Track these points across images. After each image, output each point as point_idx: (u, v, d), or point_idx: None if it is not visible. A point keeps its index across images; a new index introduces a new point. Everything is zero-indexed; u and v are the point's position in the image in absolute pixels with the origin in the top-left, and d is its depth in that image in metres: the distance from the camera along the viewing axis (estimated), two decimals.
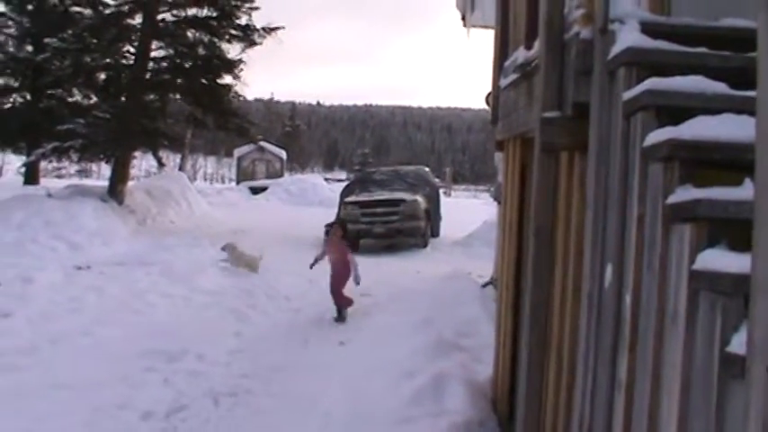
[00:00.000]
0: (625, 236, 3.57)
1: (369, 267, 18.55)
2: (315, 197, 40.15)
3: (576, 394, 4.28)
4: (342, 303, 13.11)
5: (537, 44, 5.11)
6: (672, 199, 3.07)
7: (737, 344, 2.53)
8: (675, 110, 3.30)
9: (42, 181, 35.26)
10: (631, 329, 3.43)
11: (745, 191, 2.54)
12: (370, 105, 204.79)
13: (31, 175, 34.28)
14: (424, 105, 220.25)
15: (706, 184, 3.00)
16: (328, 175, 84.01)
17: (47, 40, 28.63)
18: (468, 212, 30.70)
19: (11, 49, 32.37)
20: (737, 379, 2.49)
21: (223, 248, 17.05)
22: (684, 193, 3.02)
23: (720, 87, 3.34)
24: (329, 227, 15.50)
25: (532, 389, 5.14)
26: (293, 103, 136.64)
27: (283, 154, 56.33)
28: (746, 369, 2.37)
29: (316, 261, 13.83)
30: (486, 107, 9.67)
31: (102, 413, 7.63)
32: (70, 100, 29.68)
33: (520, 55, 5.93)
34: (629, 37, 3.65)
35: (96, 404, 7.79)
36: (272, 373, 9.42)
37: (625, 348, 3.48)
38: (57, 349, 9.95)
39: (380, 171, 29.80)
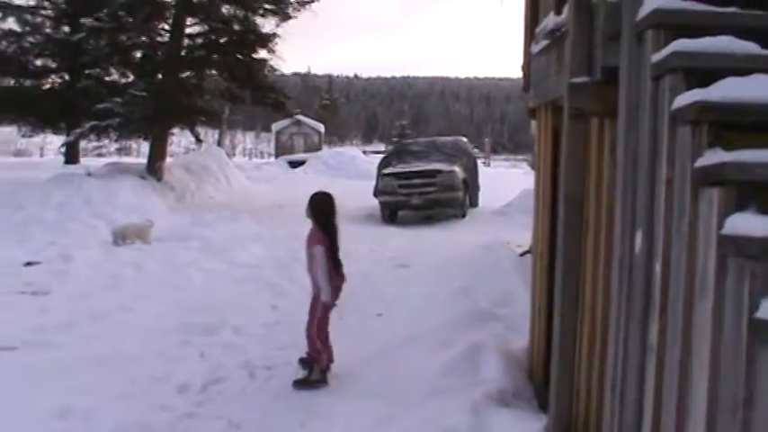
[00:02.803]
0: (654, 201, 3.52)
1: (407, 239, 18.64)
2: (353, 170, 40.11)
3: (608, 359, 4.24)
4: (317, 353, 8.12)
5: (566, 9, 5.04)
6: (700, 162, 3.02)
7: (766, 309, 2.48)
8: (704, 71, 3.22)
9: (83, 160, 35.59)
10: (661, 295, 3.39)
11: None
12: (408, 77, 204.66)
13: (71, 155, 34.61)
14: (462, 76, 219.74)
15: (736, 146, 2.93)
16: (367, 148, 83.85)
17: (83, 20, 28.77)
18: (507, 182, 30.57)
19: (48, 31, 32.59)
20: (766, 344, 2.45)
21: (114, 237, 17.13)
22: (712, 156, 2.96)
23: (751, 47, 3.27)
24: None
25: (565, 355, 5.13)
26: (330, 77, 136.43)
27: (321, 127, 56.56)
28: None
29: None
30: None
31: (138, 387, 7.70)
32: (107, 79, 29.89)
33: (550, 21, 5.87)
34: None
35: (132, 378, 7.87)
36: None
37: (656, 313, 3.45)
38: (94, 325, 10.11)
39: (417, 142, 29.63)
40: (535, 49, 6.94)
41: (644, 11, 3.62)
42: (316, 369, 8.06)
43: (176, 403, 7.46)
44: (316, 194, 8.38)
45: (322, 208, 8.24)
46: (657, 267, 3.44)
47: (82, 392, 7.35)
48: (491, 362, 7.24)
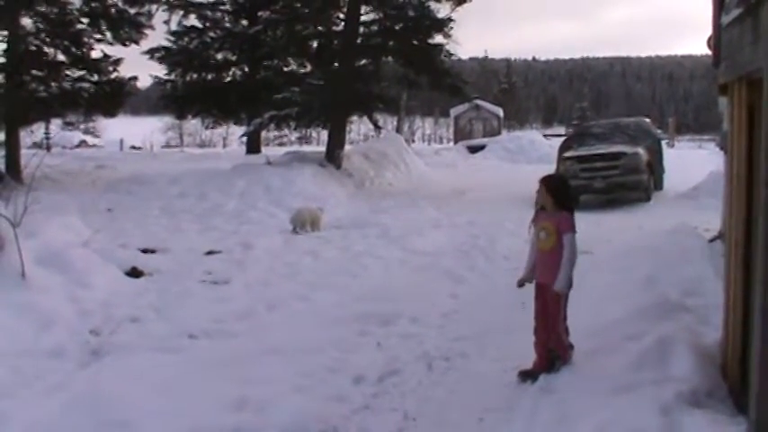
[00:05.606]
0: None
1: (589, 224, 18.04)
2: (534, 154, 39.70)
3: None
4: (564, 348, 7.67)
5: None
6: None
7: None
8: None
9: (264, 149, 36.58)
10: None
11: None
12: (588, 58, 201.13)
13: (252, 145, 35.63)
14: (643, 55, 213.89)
15: None
16: (547, 131, 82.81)
17: (260, 12, 29.52)
18: (693, 163, 29.51)
19: (227, 25, 33.76)
20: None
21: (293, 224, 17.20)
22: None
23: None
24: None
25: (767, 356, 4.67)
26: (508, 60, 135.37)
27: (500, 111, 56.28)
28: None
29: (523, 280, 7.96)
30: (708, 52, 9.00)
31: (314, 377, 7.73)
32: (286, 69, 30.64)
33: None
34: None
35: (308, 369, 7.91)
36: (488, 336, 9.23)
37: None
38: (271, 314, 10.30)
39: (599, 124, 28.99)
40: (725, 19, 6.45)
41: None
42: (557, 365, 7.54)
43: (352, 395, 7.43)
44: (559, 177, 8.08)
45: (571, 192, 7.91)
46: None
47: (258, 383, 7.42)
48: (682, 357, 6.77)
